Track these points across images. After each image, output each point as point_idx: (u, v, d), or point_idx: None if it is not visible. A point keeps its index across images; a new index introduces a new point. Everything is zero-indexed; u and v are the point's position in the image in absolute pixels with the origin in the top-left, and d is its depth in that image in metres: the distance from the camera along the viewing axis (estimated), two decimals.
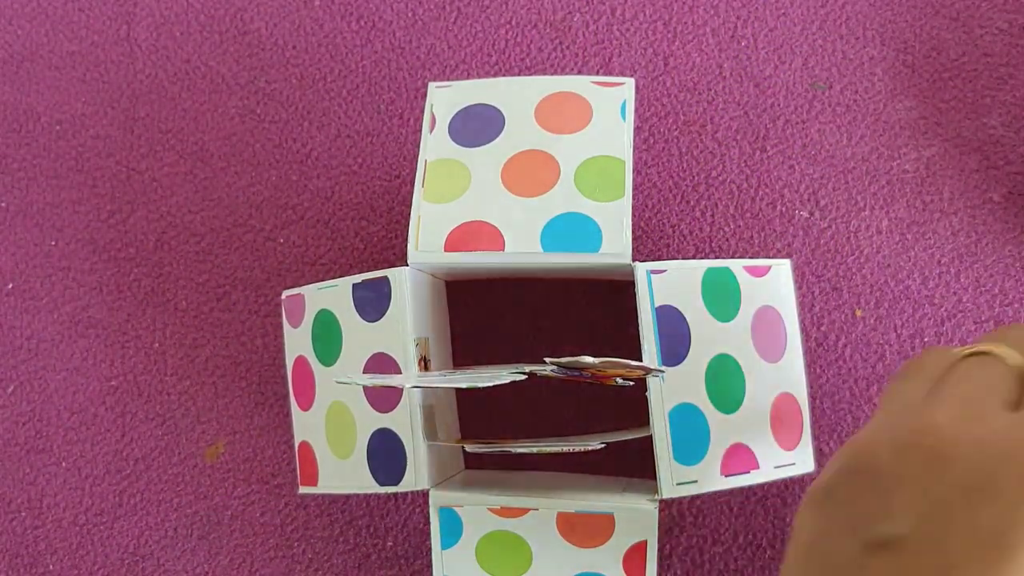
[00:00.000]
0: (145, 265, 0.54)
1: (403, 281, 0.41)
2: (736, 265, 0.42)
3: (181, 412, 0.53)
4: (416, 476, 0.40)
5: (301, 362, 0.45)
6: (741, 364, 0.41)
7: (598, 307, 0.50)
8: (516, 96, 0.44)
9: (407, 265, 0.42)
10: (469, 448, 0.41)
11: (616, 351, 0.48)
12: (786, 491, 0.48)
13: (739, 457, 0.40)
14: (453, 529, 0.42)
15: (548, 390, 0.49)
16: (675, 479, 0.39)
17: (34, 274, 0.55)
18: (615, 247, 0.41)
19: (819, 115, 0.51)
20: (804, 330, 0.49)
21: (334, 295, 0.43)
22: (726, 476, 0.40)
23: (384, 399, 0.41)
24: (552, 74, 0.53)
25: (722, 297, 0.41)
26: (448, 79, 0.53)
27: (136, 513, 0.52)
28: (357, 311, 0.42)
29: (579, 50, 0.53)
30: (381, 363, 0.41)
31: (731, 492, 0.48)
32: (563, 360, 0.35)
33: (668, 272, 0.40)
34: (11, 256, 0.56)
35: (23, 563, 0.53)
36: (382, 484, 0.41)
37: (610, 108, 0.44)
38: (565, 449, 0.40)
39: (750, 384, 0.41)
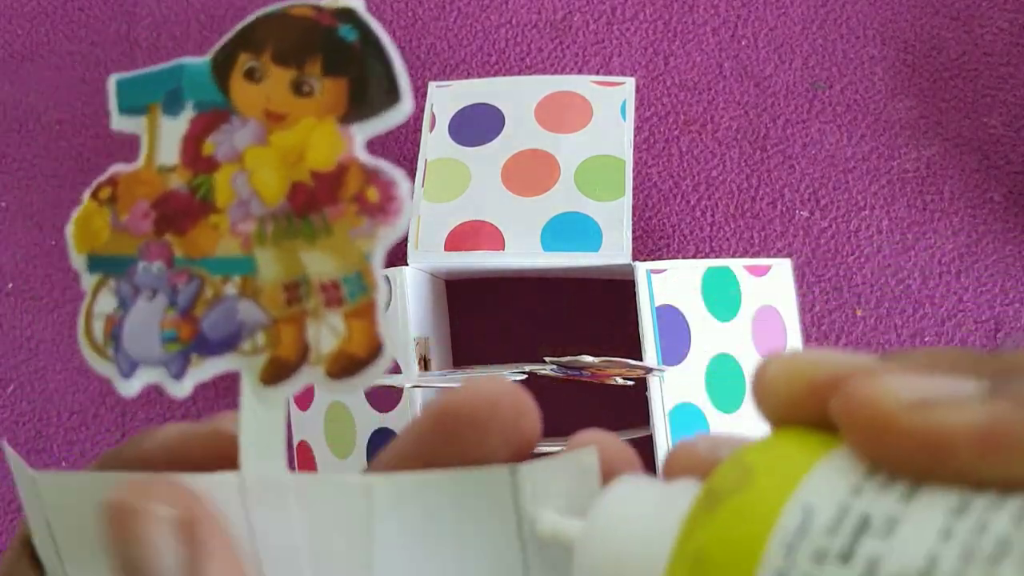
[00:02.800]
0: None
1: (403, 281, 0.41)
2: (736, 264, 0.42)
3: (181, 412, 0.53)
4: None
5: None
6: (741, 364, 0.41)
7: (598, 307, 0.50)
8: (516, 96, 0.44)
9: (407, 265, 0.42)
10: None
11: (616, 351, 0.48)
12: None
13: None
14: None
15: (548, 390, 0.49)
16: None
17: (34, 274, 0.55)
18: (615, 247, 0.40)
19: (819, 115, 0.51)
20: (804, 330, 0.49)
21: None
22: None
23: (384, 399, 0.41)
24: (552, 74, 0.53)
25: (722, 297, 0.41)
26: (448, 79, 0.53)
27: None
28: None
29: (579, 50, 0.53)
30: None
31: None
32: (563, 360, 0.35)
33: (668, 272, 0.40)
34: (11, 256, 0.56)
35: None
36: None
37: (610, 108, 0.44)
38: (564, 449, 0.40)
39: (750, 384, 0.41)
